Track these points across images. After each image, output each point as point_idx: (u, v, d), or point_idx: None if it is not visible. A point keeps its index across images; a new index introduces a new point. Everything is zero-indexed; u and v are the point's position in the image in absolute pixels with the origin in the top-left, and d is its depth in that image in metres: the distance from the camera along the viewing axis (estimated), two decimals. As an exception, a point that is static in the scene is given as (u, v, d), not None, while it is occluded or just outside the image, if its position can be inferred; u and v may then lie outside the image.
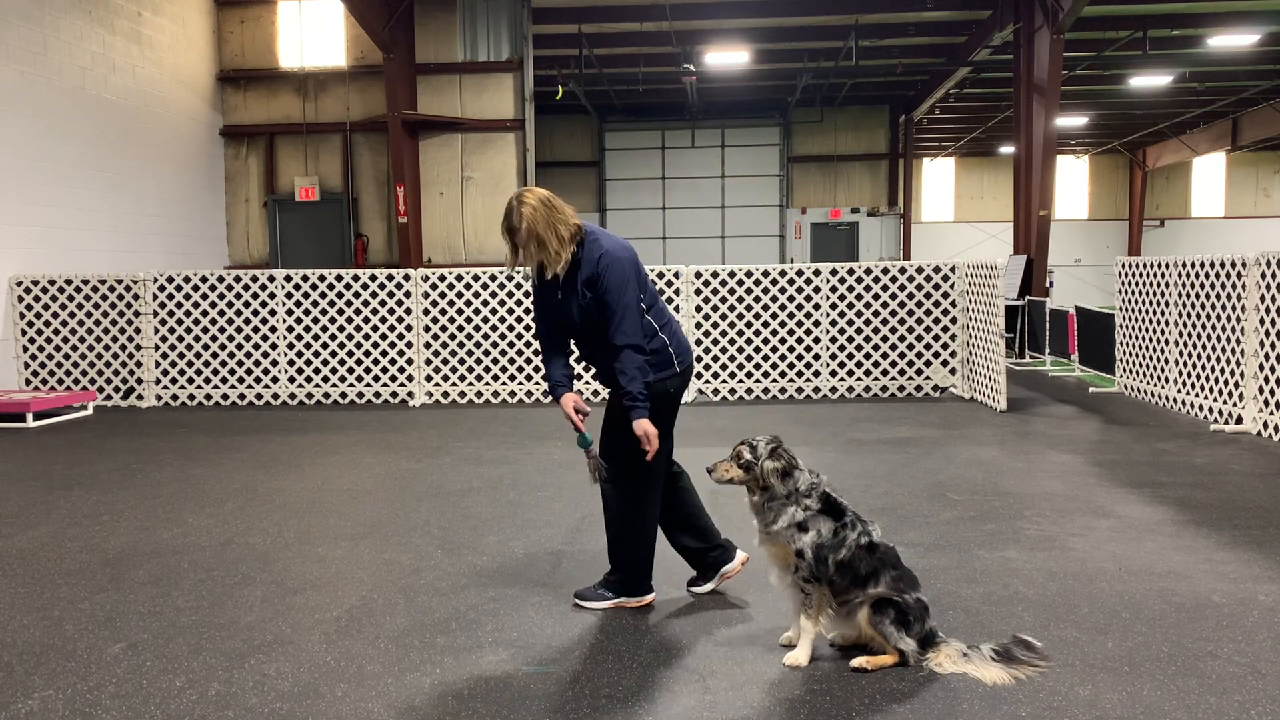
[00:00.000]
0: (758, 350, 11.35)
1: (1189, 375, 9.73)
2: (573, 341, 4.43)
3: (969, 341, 11.16)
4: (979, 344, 10.79)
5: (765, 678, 3.67)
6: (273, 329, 11.47)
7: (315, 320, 11.44)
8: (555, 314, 4.29)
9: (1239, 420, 8.81)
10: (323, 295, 11.42)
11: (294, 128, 16.43)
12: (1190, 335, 9.65)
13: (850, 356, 11.39)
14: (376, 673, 3.75)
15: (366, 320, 11.43)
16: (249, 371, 11.51)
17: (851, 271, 11.36)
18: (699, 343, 11.35)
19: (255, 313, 11.47)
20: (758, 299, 11.31)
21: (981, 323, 10.65)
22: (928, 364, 11.39)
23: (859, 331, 11.35)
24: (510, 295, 11.39)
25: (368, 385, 11.49)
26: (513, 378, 11.45)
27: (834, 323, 11.38)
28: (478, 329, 11.42)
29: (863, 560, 3.79)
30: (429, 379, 11.49)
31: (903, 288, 11.33)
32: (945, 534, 5.53)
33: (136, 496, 6.78)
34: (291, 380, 11.52)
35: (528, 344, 11.42)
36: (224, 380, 11.53)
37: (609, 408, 4.42)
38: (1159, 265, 10.28)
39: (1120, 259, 11.33)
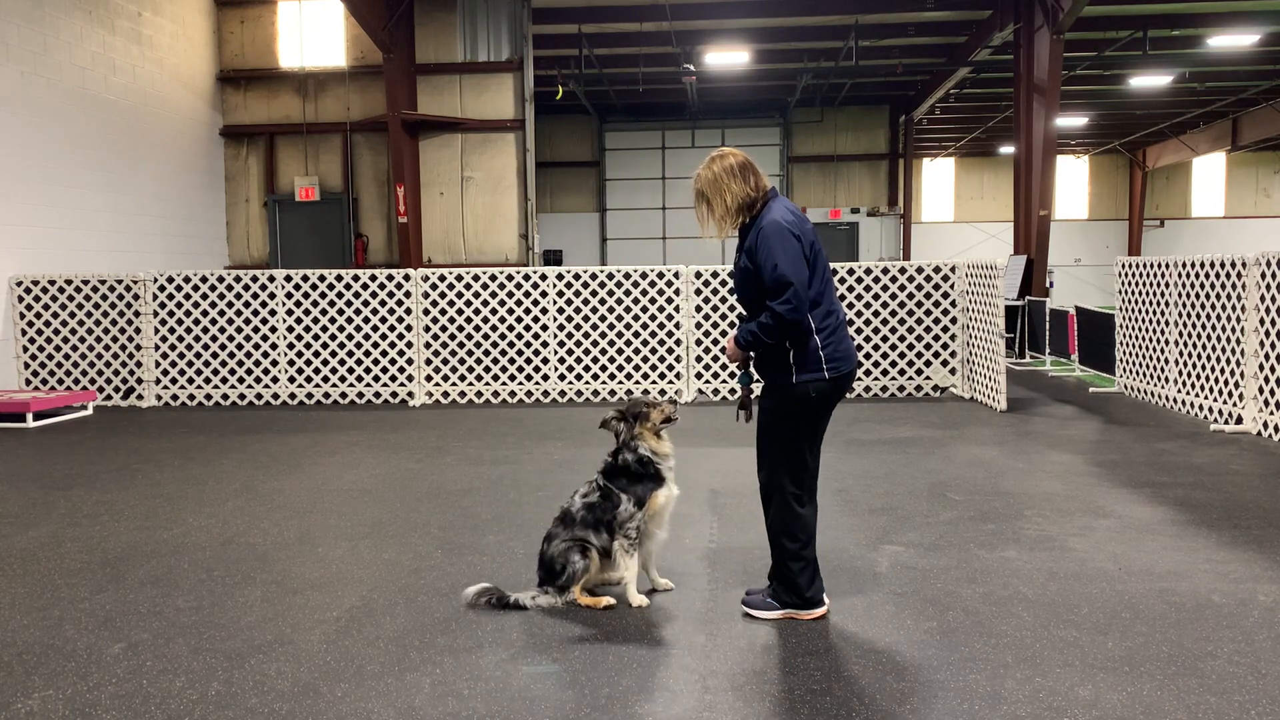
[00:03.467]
0: (758, 350, 11.33)
1: (1189, 375, 9.72)
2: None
3: (969, 341, 11.16)
4: (979, 344, 10.79)
5: (766, 678, 3.67)
6: (273, 329, 11.47)
7: (315, 320, 11.44)
8: (740, 289, 4.26)
9: (1239, 420, 8.81)
10: (323, 295, 11.42)
11: (294, 128, 16.43)
12: (1190, 335, 9.65)
13: (850, 356, 11.37)
14: (376, 673, 3.75)
15: (366, 320, 11.43)
16: (249, 371, 11.51)
17: (851, 271, 11.36)
18: (699, 343, 11.36)
19: (255, 313, 11.47)
20: (758, 299, 11.29)
21: (981, 323, 10.65)
22: (928, 364, 11.39)
23: (859, 331, 11.34)
24: (510, 295, 11.39)
25: (368, 385, 11.49)
26: (513, 378, 11.45)
27: (834, 323, 11.36)
28: (478, 329, 11.42)
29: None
30: (429, 379, 11.49)
31: (903, 288, 11.33)
32: (945, 534, 5.53)
33: (136, 496, 6.78)
34: (291, 380, 11.52)
35: (527, 344, 11.42)
36: (224, 380, 11.52)
37: (763, 402, 4.22)
38: (1159, 265, 10.28)
39: (1120, 259, 11.33)
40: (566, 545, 4.43)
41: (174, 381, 11.54)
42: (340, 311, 11.43)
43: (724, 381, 11.40)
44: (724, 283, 11.32)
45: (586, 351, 11.41)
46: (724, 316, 11.33)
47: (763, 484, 4.24)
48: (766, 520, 4.26)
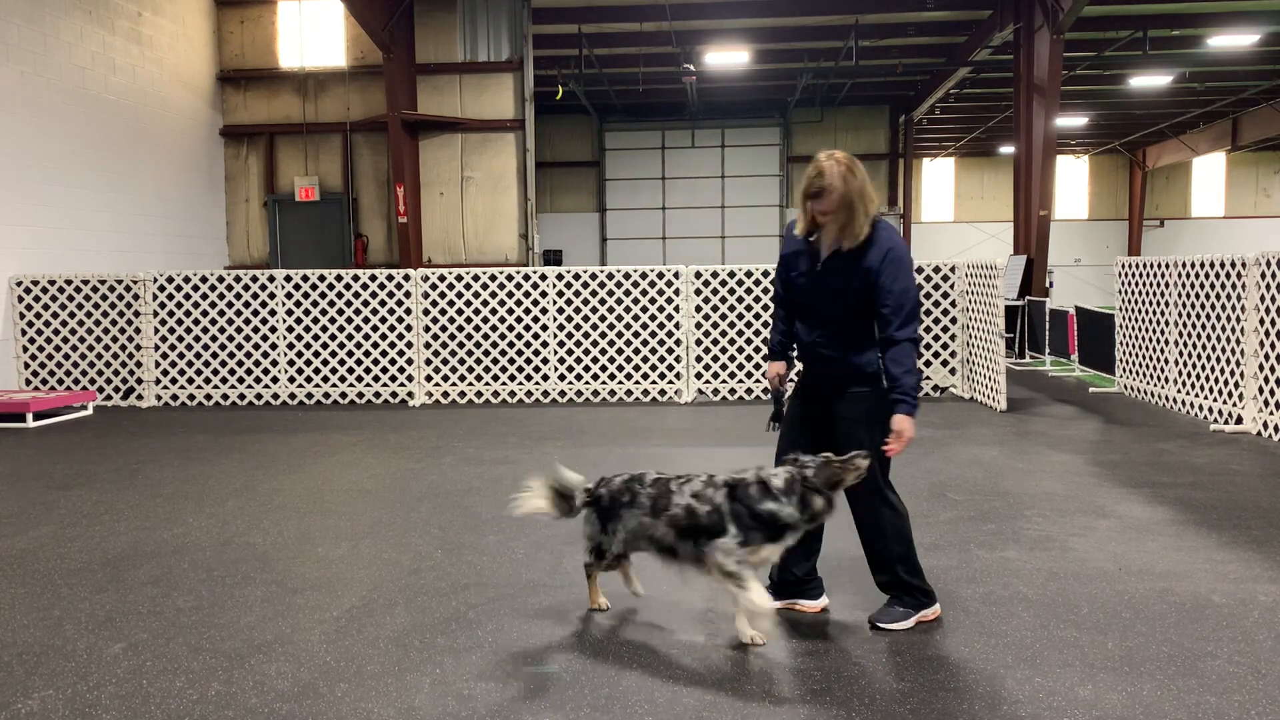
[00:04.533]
0: (757, 350, 11.35)
1: (1189, 375, 9.72)
2: (804, 316, 4.15)
3: (969, 341, 11.16)
4: (979, 344, 10.79)
5: (765, 678, 3.67)
6: (273, 329, 11.47)
7: (315, 320, 11.44)
8: (801, 287, 4.07)
9: (1239, 420, 8.80)
10: (323, 295, 11.42)
11: (294, 128, 16.43)
12: (1190, 335, 9.65)
13: (850, 356, 11.38)
14: (376, 673, 3.75)
15: (366, 320, 11.43)
16: (249, 371, 11.51)
17: (851, 271, 11.33)
18: (699, 342, 11.36)
19: (255, 313, 11.47)
20: (757, 299, 11.31)
21: (981, 323, 10.64)
22: (928, 364, 11.38)
23: (859, 331, 11.33)
24: (510, 295, 11.39)
25: (368, 385, 11.49)
26: (512, 378, 11.45)
27: (834, 323, 11.37)
28: (478, 329, 11.42)
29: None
30: (429, 379, 11.48)
31: (903, 288, 11.31)
32: (945, 534, 5.53)
33: (136, 496, 6.78)
34: (291, 380, 11.52)
35: (527, 344, 11.42)
36: (224, 380, 11.52)
37: (863, 403, 4.06)
38: (1159, 265, 10.28)
39: (1120, 259, 11.33)
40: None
41: (174, 381, 11.54)
42: (340, 311, 11.42)
43: (724, 382, 11.40)
44: (724, 283, 11.32)
45: (586, 352, 11.41)
46: (724, 317, 11.32)
47: (864, 501, 4.08)
48: (870, 535, 4.14)
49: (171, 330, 11.49)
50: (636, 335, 11.37)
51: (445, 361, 11.46)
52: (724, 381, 11.40)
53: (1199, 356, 9.50)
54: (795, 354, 4.36)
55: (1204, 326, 9.39)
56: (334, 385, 11.49)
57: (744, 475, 3.97)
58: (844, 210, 3.89)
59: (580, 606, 4.43)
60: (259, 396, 11.51)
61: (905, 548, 4.13)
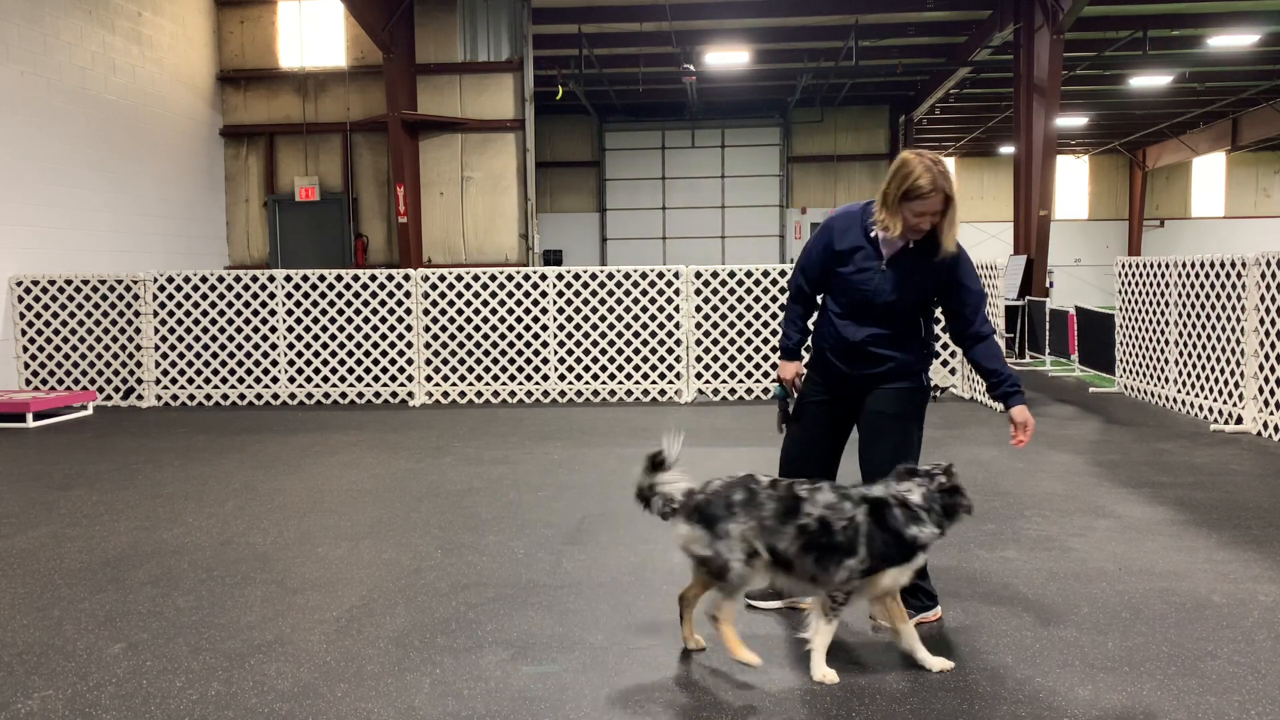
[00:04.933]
0: (758, 350, 11.35)
1: (1189, 375, 9.72)
2: (857, 313, 4.03)
3: (969, 341, 11.14)
4: (979, 344, 10.77)
5: (766, 677, 3.67)
6: (273, 329, 11.47)
7: (315, 320, 11.44)
8: (859, 283, 3.96)
9: (1239, 420, 8.80)
10: (323, 295, 11.42)
11: (294, 128, 16.43)
12: (1190, 335, 9.65)
13: (850, 356, 11.38)
14: (376, 673, 3.75)
15: (366, 320, 11.43)
16: (249, 371, 11.51)
17: (851, 271, 11.33)
18: (699, 343, 11.36)
19: (255, 313, 11.47)
20: (757, 299, 11.31)
21: (981, 323, 10.63)
22: (928, 364, 11.37)
23: (859, 331, 11.33)
24: (510, 295, 11.39)
25: (368, 385, 11.49)
26: (513, 378, 11.44)
27: (834, 323, 11.37)
28: (478, 329, 11.42)
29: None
30: (429, 379, 11.48)
31: (903, 288, 11.30)
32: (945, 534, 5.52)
33: (136, 496, 6.78)
34: (291, 380, 11.52)
35: (527, 344, 11.42)
36: (224, 380, 11.52)
37: (903, 399, 4.10)
38: (1159, 265, 10.28)
39: (1120, 259, 11.33)
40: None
41: (174, 381, 11.54)
42: (340, 311, 11.42)
43: (724, 382, 11.40)
44: (724, 283, 11.32)
45: (586, 352, 11.40)
46: (724, 317, 11.32)
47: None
48: None
49: (171, 330, 11.49)
50: (636, 335, 11.37)
51: (445, 361, 11.46)
52: (724, 381, 11.40)
53: (1199, 356, 9.50)
54: (816, 354, 4.25)
55: (1204, 326, 9.39)
56: (334, 385, 11.49)
57: (876, 491, 3.67)
58: (952, 208, 3.86)
59: (580, 606, 4.43)
60: (259, 396, 11.51)
61: None
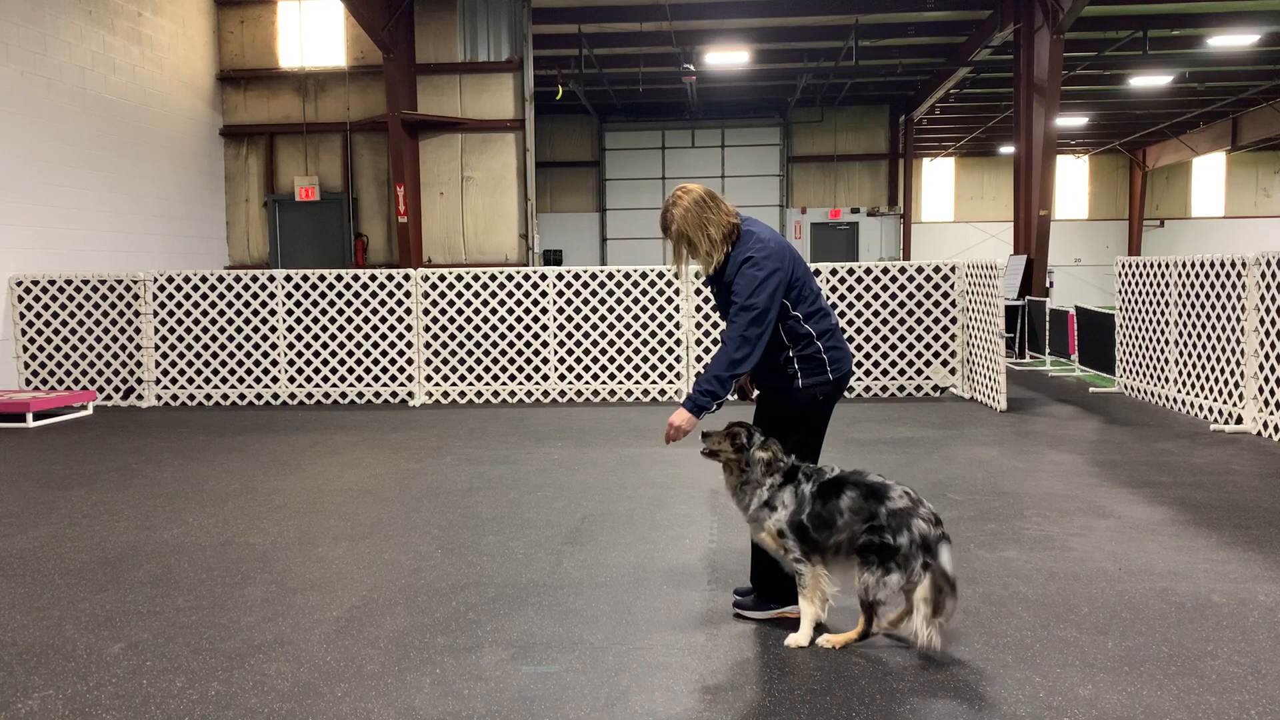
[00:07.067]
0: (758, 350, 11.33)
1: (1189, 375, 9.72)
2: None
3: (969, 341, 11.16)
4: (979, 344, 10.79)
5: (766, 678, 3.67)
6: (273, 329, 11.47)
7: (315, 320, 11.44)
8: (721, 308, 4.26)
9: (1239, 420, 8.80)
10: (323, 295, 11.42)
11: (294, 128, 16.43)
12: (1190, 335, 9.65)
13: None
14: (376, 673, 3.75)
15: (366, 320, 11.43)
16: (249, 371, 11.51)
17: (851, 271, 11.36)
18: (699, 343, 11.36)
19: (255, 313, 11.47)
20: (758, 299, 11.29)
21: (981, 323, 10.65)
22: (928, 364, 11.39)
23: (859, 331, 11.35)
24: (510, 295, 11.39)
25: (368, 385, 11.49)
26: (513, 378, 11.45)
27: (834, 323, 11.37)
28: (478, 329, 11.42)
29: (821, 504, 3.83)
30: (429, 379, 11.49)
31: (903, 288, 11.33)
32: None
33: (136, 496, 6.78)
34: (291, 380, 11.52)
35: (527, 344, 11.42)
36: (224, 380, 11.52)
37: (768, 411, 4.26)
38: (1159, 265, 10.28)
39: (1120, 259, 11.33)
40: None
41: (174, 381, 11.54)
42: (340, 311, 11.43)
43: (724, 381, 11.38)
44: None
45: (586, 352, 11.41)
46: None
47: None
48: None
49: (171, 330, 11.49)
50: (636, 335, 11.37)
51: (445, 361, 11.46)
52: (724, 381, 11.38)
53: (1199, 356, 9.50)
54: (836, 351, 4.22)
55: (1204, 326, 9.39)
56: (334, 385, 11.49)
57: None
58: (682, 242, 4.20)
59: (580, 606, 4.43)
60: (259, 396, 11.51)
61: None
